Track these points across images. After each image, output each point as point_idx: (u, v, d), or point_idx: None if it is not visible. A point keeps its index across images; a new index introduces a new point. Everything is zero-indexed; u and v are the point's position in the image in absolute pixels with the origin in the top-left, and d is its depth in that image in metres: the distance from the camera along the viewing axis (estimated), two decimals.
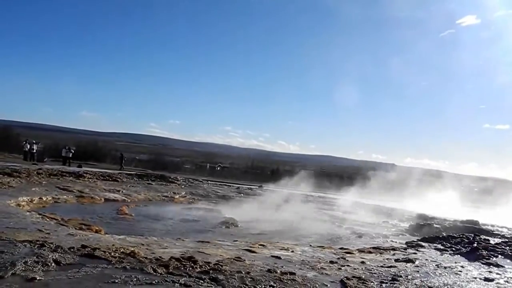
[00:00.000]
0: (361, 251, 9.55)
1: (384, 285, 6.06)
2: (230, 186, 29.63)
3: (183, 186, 24.74)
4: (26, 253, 5.70)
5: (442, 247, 10.44)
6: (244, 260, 6.86)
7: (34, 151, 31.93)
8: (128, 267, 5.52)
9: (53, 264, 5.27)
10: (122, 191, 19.13)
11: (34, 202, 13.63)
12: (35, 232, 7.77)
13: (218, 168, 68.81)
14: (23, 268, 4.96)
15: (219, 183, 31.10)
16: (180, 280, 5.13)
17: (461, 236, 11.80)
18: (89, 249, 6.29)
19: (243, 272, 5.82)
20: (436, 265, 7.94)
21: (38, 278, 4.69)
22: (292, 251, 8.64)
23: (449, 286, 6.34)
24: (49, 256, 5.53)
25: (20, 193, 13.88)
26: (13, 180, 16.44)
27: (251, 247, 8.68)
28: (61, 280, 4.75)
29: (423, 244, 11.17)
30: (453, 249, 10.11)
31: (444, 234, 12.57)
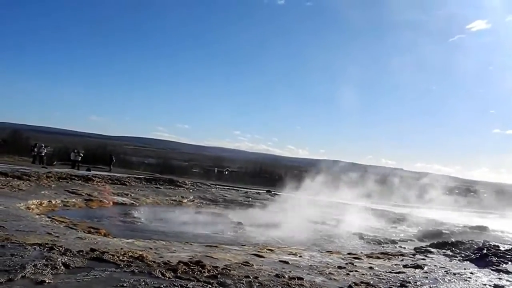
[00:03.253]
0: (369, 256, 9.52)
1: None
2: (238, 190, 29.63)
3: (191, 190, 24.77)
4: (36, 256, 5.73)
5: (451, 253, 10.37)
6: (252, 264, 6.86)
7: (43, 154, 32.16)
8: (136, 271, 5.53)
9: (62, 268, 5.29)
10: (130, 195, 19.20)
11: (44, 205, 13.73)
12: (45, 235, 7.82)
13: (226, 173, 68.88)
14: (33, 271, 4.99)
15: (227, 187, 31.13)
16: (188, 285, 5.14)
17: (470, 242, 11.71)
18: (97, 252, 6.31)
19: (251, 277, 5.81)
20: (445, 271, 7.88)
21: (47, 281, 4.71)
22: (300, 256, 8.62)
23: None
24: (58, 259, 5.56)
25: (29, 196, 13.98)
26: (23, 183, 16.57)
27: (259, 251, 8.69)
28: (70, 283, 4.77)
29: (432, 250, 11.10)
30: (462, 255, 10.04)
31: (453, 240, 12.47)
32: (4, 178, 16.92)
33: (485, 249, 10.45)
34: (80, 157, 32.69)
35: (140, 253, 6.64)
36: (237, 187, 32.53)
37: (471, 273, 7.84)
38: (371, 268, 7.71)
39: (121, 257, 6.14)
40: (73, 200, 15.55)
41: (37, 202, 13.56)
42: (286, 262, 7.57)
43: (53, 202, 14.45)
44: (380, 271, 7.41)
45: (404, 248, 12.59)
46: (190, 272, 5.72)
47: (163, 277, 5.35)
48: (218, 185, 31.90)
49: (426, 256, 9.99)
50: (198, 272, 5.76)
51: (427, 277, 7.15)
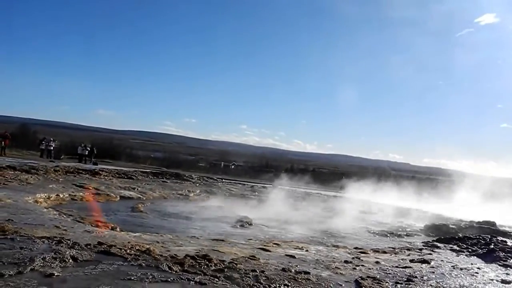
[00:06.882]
0: (375, 251, 9.51)
1: (399, 285, 6.02)
2: (244, 184, 29.68)
3: (197, 184, 24.86)
4: (44, 249, 5.78)
5: (458, 248, 10.34)
6: (259, 259, 6.87)
7: (51, 148, 32.31)
8: (143, 264, 5.57)
9: (70, 261, 5.34)
10: (137, 189, 19.27)
11: (51, 198, 13.80)
12: (53, 229, 7.88)
13: (233, 167, 69.10)
14: (42, 264, 5.03)
15: (234, 181, 31.18)
16: (195, 278, 5.16)
17: (477, 237, 11.66)
18: (105, 246, 6.35)
19: (258, 271, 5.83)
20: (452, 266, 7.87)
21: (56, 274, 4.75)
22: (307, 250, 8.63)
23: (465, 287, 6.28)
24: (67, 253, 5.60)
25: (37, 190, 14.06)
26: (31, 177, 16.68)
27: (265, 246, 8.69)
28: (78, 276, 4.81)
29: (439, 244, 11.07)
30: (469, 250, 10.00)
31: (460, 235, 12.44)
32: (12, 172, 17.06)
33: (493, 244, 10.42)
34: (87, 151, 32.83)
35: (147, 246, 6.67)
36: (244, 181, 32.57)
37: (478, 268, 7.82)
38: (377, 262, 7.70)
39: (128, 251, 6.18)
40: (81, 193, 15.62)
41: (45, 196, 13.63)
42: (292, 256, 7.57)
43: (61, 195, 14.52)
44: (386, 266, 7.40)
45: (411, 242, 12.57)
46: (197, 266, 5.74)
47: (170, 271, 5.38)
48: (225, 179, 31.97)
49: (433, 251, 9.97)
50: (205, 266, 5.78)
51: (433, 272, 7.14)
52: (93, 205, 14.13)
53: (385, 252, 9.30)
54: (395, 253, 9.24)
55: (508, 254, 9.02)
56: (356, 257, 8.17)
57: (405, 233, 15.02)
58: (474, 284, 6.51)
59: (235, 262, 6.28)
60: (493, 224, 16.24)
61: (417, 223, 18.02)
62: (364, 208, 21.90)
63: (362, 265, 7.28)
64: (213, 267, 5.78)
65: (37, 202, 12.41)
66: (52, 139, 33.59)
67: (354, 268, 6.96)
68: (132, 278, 4.91)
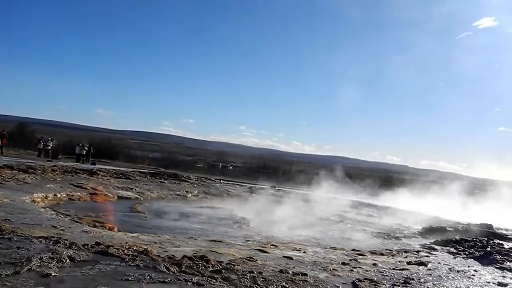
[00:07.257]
0: (373, 253, 9.52)
1: (396, 287, 6.04)
2: (242, 185, 29.68)
3: (195, 185, 24.83)
4: (42, 249, 5.76)
5: (455, 251, 10.36)
6: (256, 260, 6.88)
7: (49, 148, 32.23)
8: (141, 265, 5.56)
9: (67, 261, 5.32)
10: (135, 189, 19.26)
11: (49, 198, 13.77)
12: (50, 229, 7.86)
13: (231, 168, 69.06)
14: (39, 264, 5.02)
15: (232, 182, 31.18)
16: (193, 279, 5.16)
17: (474, 239, 11.69)
18: (102, 246, 6.34)
19: (255, 272, 5.83)
20: (449, 268, 7.88)
21: (53, 274, 4.74)
22: (304, 252, 8.64)
23: None
24: (64, 253, 5.59)
25: (35, 190, 14.03)
26: (28, 176, 16.63)
27: (263, 247, 8.70)
28: (76, 276, 4.80)
29: (436, 247, 11.10)
30: (466, 252, 10.03)
31: (457, 238, 12.45)
32: (10, 171, 17.01)
33: (489, 247, 10.45)
34: (85, 151, 32.77)
35: (145, 247, 6.66)
36: (242, 182, 32.58)
37: (475, 270, 7.84)
38: (374, 264, 7.72)
39: (126, 251, 6.17)
40: (78, 193, 15.59)
41: (43, 195, 13.60)
42: (290, 258, 7.58)
43: (58, 195, 14.49)
44: (383, 268, 7.42)
45: (408, 245, 12.58)
46: (195, 267, 5.74)
47: (167, 272, 5.38)
48: (223, 180, 31.98)
49: (430, 253, 9.99)
50: (203, 267, 5.78)
51: (430, 274, 7.16)
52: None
53: (382, 254, 9.32)
54: (393, 255, 9.26)
55: (505, 257, 9.05)
56: (354, 259, 8.18)
57: (403, 235, 15.03)
58: (471, 287, 6.53)
59: (233, 263, 6.28)
60: (490, 226, 16.27)
61: (415, 225, 18.04)
62: (362, 210, 21.86)
63: (360, 267, 7.29)
64: (211, 268, 5.78)
65: (35, 202, 12.38)
66: (50, 138, 33.51)
67: (352, 270, 6.97)
68: (130, 278, 4.91)
